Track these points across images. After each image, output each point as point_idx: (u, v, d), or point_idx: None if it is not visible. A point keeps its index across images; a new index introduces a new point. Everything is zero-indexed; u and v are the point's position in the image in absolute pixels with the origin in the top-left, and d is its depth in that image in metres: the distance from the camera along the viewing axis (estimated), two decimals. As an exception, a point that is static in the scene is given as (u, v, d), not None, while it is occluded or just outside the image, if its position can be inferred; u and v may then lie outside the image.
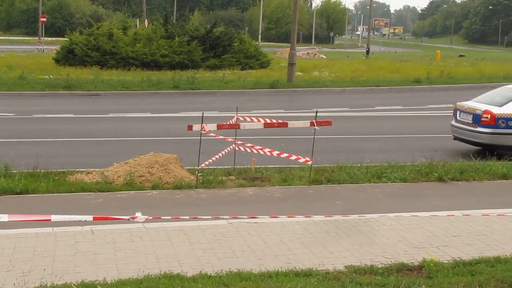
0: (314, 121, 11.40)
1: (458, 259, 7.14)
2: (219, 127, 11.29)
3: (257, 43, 50.54)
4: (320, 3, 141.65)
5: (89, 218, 6.35)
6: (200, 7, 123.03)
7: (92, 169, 11.44)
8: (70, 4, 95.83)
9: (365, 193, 10.74)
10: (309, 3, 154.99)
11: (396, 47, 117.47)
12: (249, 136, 13.87)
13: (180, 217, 8.05)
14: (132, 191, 10.41)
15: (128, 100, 25.06)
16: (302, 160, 11.29)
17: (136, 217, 6.15)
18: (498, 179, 11.84)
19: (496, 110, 14.27)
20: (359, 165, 12.21)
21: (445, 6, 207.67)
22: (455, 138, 15.35)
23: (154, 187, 10.63)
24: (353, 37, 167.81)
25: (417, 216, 9.01)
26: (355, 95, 28.43)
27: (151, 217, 6.57)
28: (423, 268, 6.88)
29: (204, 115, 11.23)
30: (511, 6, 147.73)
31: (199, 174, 10.96)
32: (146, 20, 48.97)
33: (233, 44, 38.12)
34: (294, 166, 12.07)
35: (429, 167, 12.01)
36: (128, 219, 6.30)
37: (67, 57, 35.57)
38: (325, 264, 7.04)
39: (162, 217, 7.57)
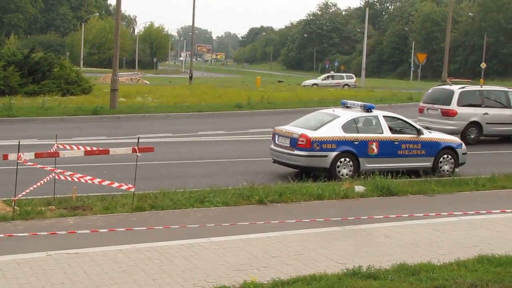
0: (136, 147, 11.36)
1: (277, 279, 7.40)
2: (37, 155, 10.93)
3: (78, 68, 49.47)
4: (143, 29, 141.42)
5: None
6: (17, 31, 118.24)
7: None
8: None
9: (189, 218, 10.82)
10: (132, 28, 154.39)
11: (219, 73, 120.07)
12: (70, 164, 13.54)
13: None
14: None
15: None
16: (124, 187, 11.19)
17: None
18: (314, 200, 12.44)
19: (311, 134, 15.01)
20: (183, 190, 12.31)
21: (264, 33, 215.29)
22: (275, 161, 15.93)
23: (-35, 221, 10.02)
24: (176, 63, 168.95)
25: (238, 238, 9.26)
26: (179, 120, 28.65)
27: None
28: (244, 290, 7.06)
29: (21, 143, 10.82)
30: (324, 35, 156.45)
31: (15, 206, 10.50)
32: (-44, 44, 46.25)
33: (53, 70, 36.96)
34: (117, 193, 11.92)
35: (250, 190, 12.36)
36: None
37: None
38: (148, 291, 7.01)
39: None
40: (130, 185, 11.15)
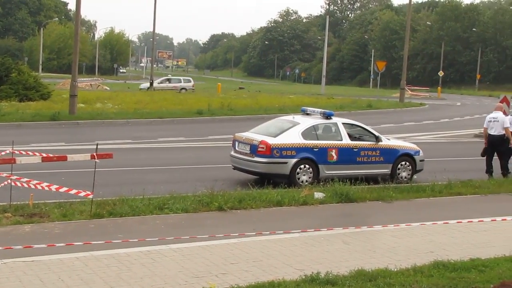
0: (94, 154, 11.25)
1: (236, 286, 7.40)
2: (-7, 162, 10.74)
3: (37, 74, 48.89)
4: (103, 34, 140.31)
5: None
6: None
7: None
8: None
9: (148, 225, 10.76)
10: (92, 34, 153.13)
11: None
12: (27, 170, 13.37)
13: None
14: None
15: None
16: (82, 193, 11.08)
17: None
18: (274, 206, 12.46)
19: (271, 141, 15.05)
20: (142, 197, 12.22)
21: (225, 40, 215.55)
22: (235, 168, 15.93)
23: None
24: (137, 69, 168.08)
25: (197, 245, 9.24)
26: (139, 126, 28.48)
27: None
28: (203, 297, 7.04)
29: (-25, 150, 10.63)
30: (285, 42, 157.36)
31: (-30, 213, 10.31)
32: None
33: (11, 75, 36.47)
34: (75, 200, 11.78)
35: (209, 197, 12.34)
36: None
37: None
38: (105, 299, 6.95)
39: None
40: (88, 192, 11.05)
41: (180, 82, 63.81)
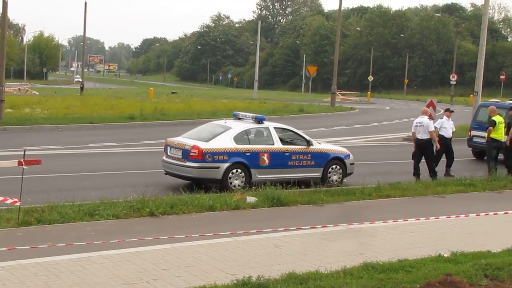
0: (22, 160, 11.00)
1: (167, 291, 7.37)
2: None
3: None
4: (32, 38, 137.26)
5: None
6: None
7: None
8: None
9: (77, 232, 10.58)
10: (20, 37, 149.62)
11: (111, 84, 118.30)
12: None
13: None
14: None
15: None
16: (9, 201, 10.82)
17: None
18: (206, 211, 12.45)
19: (203, 145, 15.03)
20: (71, 203, 12.02)
21: (157, 44, 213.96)
22: (167, 173, 15.84)
23: None
24: (67, 73, 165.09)
25: (128, 252, 9.15)
26: (69, 132, 28.00)
27: None
28: (133, 304, 6.98)
29: None
30: (217, 47, 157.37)
31: None
32: None
33: None
34: (1, 208, 11.49)
35: (141, 202, 12.23)
36: None
37: None
38: (33, 309, 6.80)
39: None
40: (16, 199, 10.79)
41: None
